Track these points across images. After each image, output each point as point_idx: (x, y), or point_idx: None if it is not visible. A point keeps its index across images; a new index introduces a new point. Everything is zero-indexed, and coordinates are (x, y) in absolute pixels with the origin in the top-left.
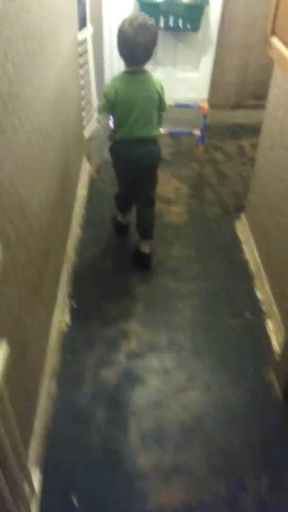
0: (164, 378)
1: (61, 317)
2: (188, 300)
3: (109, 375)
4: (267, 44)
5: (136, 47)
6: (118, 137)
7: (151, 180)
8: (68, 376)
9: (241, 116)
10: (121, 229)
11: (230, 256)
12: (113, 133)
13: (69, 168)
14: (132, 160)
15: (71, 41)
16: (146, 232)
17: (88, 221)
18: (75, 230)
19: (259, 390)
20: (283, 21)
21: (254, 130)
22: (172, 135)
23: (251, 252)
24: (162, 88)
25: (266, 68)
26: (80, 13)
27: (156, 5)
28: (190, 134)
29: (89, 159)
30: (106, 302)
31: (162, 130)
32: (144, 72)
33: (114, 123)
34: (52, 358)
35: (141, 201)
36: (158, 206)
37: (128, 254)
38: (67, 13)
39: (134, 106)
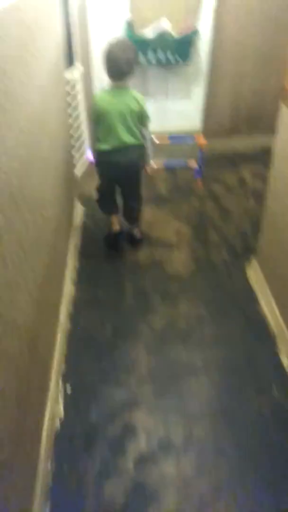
0: (183, 490)
1: (54, 410)
2: (204, 374)
3: (115, 491)
4: (285, 96)
5: (119, 62)
6: (107, 147)
7: (139, 180)
8: (64, 498)
9: (237, 143)
10: (113, 243)
11: (246, 311)
12: (97, 145)
13: (60, 218)
14: (122, 165)
15: (58, 84)
16: (132, 220)
17: (83, 275)
18: (68, 289)
19: None
20: None
21: (252, 158)
22: (168, 167)
23: (269, 306)
24: (143, 101)
25: (259, 94)
26: (67, 51)
27: (146, 42)
28: (186, 166)
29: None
30: (106, 384)
31: (153, 163)
32: (127, 88)
33: (101, 134)
34: (43, 473)
35: (130, 197)
36: (159, 252)
37: (129, 317)
38: (53, 54)
39: (119, 116)
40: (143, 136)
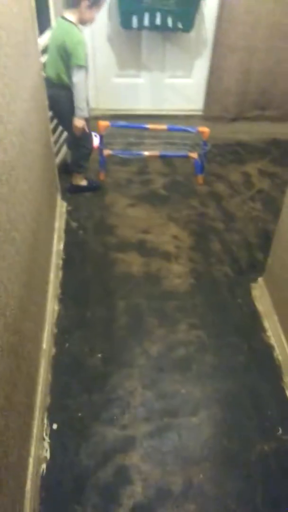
0: None
1: (38, 452)
2: (204, 411)
3: None
4: None
5: None
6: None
7: (67, 124)
8: None
9: (243, 131)
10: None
11: (251, 338)
12: None
13: (41, 225)
14: (49, 98)
15: (35, 63)
16: (70, 166)
17: (68, 290)
18: (52, 309)
19: None
20: None
21: (258, 151)
22: (164, 157)
23: (275, 334)
24: (73, 42)
25: (270, 74)
26: (41, 18)
27: (141, 1)
28: (186, 157)
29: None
30: (97, 421)
31: (80, 121)
32: (68, 20)
33: None
34: None
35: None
36: (155, 263)
37: (122, 341)
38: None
39: (51, 46)
40: (70, 80)
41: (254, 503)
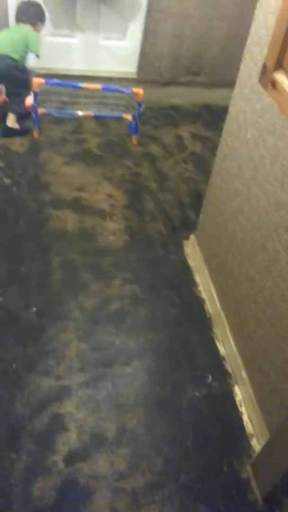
0: (118, 488)
1: None
2: (138, 361)
3: (44, 490)
4: (265, 81)
5: (17, 13)
6: None
7: (12, 88)
8: None
9: (176, 96)
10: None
11: (183, 292)
12: None
13: None
14: None
15: None
16: (9, 105)
17: (2, 246)
18: None
19: (233, 492)
20: None
21: (191, 115)
22: (99, 117)
23: (206, 288)
24: (32, 38)
25: (202, 41)
26: None
27: None
28: (120, 118)
29: None
30: (32, 372)
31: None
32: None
33: None
34: None
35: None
36: (90, 220)
37: (57, 296)
38: None
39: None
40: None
41: (185, 445)
